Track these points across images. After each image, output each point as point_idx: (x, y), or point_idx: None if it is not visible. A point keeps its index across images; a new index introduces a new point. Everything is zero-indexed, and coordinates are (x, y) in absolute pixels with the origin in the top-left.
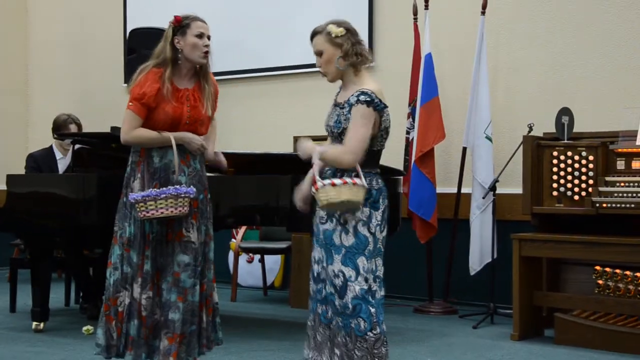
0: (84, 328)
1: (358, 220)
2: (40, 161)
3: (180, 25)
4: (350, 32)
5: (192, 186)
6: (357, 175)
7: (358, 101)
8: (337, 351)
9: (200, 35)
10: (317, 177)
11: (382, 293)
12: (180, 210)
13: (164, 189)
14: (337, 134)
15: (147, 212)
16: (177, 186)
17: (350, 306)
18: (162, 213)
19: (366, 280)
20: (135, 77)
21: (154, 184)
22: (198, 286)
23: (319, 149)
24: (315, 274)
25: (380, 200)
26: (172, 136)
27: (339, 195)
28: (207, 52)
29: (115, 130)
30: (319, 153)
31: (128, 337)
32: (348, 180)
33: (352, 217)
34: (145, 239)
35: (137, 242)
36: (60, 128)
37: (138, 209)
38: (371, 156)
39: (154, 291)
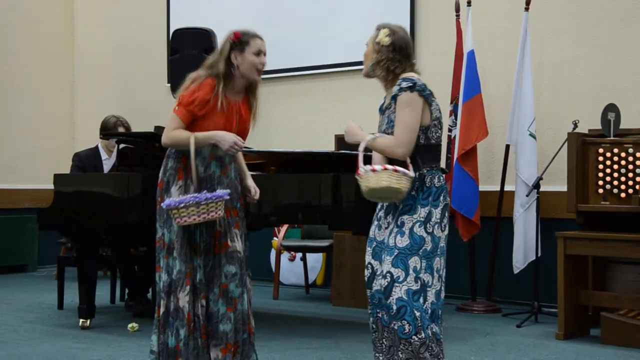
0: (129, 325)
1: (415, 221)
2: (86, 161)
3: (240, 41)
4: (394, 46)
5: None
6: (405, 166)
7: (400, 89)
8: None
9: (258, 53)
10: (361, 164)
11: (443, 293)
12: (213, 215)
13: (197, 195)
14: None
15: (181, 219)
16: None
17: (394, 308)
18: (194, 220)
19: (416, 280)
20: (186, 84)
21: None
22: (246, 294)
23: (368, 137)
24: (366, 279)
25: (441, 198)
26: (192, 137)
27: (378, 181)
28: (262, 70)
29: (159, 129)
30: (367, 142)
31: (167, 347)
32: (389, 167)
33: (409, 218)
34: (194, 248)
35: (178, 249)
36: (108, 130)
37: (172, 215)
38: (430, 150)
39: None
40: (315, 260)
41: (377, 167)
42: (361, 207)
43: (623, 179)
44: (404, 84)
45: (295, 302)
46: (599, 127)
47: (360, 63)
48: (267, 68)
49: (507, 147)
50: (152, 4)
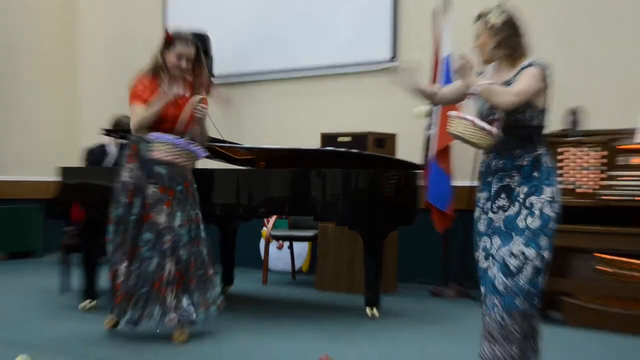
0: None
1: (544, 202)
2: (93, 155)
3: (168, 42)
4: (509, 24)
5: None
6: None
7: (531, 64)
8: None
9: (179, 57)
10: (455, 113)
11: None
12: (179, 161)
13: (181, 140)
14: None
15: (157, 152)
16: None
17: (526, 287)
18: (163, 156)
19: (542, 259)
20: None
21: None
22: (155, 259)
23: (483, 81)
24: (485, 266)
25: (556, 177)
26: (146, 106)
27: (456, 127)
28: (185, 70)
29: None
30: (480, 86)
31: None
32: (469, 117)
33: (537, 200)
34: (125, 223)
35: (121, 222)
36: (122, 128)
37: (156, 149)
38: (542, 132)
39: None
40: (302, 249)
41: (457, 114)
42: (344, 200)
43: (580, 175)
44: (538, 61)
45: (282, 287)
46: (562, 127)
47: (344, 66)
48: (257, 68)
49: None
50: (147, 4)
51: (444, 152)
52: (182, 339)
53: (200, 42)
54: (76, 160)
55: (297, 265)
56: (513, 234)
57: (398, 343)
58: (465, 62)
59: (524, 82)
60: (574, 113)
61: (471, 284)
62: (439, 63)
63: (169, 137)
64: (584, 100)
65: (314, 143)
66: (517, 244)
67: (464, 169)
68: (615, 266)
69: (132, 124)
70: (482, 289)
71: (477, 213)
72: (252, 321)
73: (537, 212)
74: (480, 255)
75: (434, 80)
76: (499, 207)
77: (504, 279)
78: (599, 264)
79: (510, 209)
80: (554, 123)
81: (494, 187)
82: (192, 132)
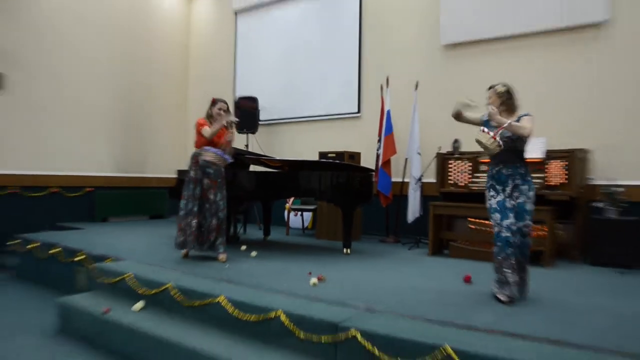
0: (220, 256)
1: (534, 194)
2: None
3: (213, 103)
4: (508, 92)
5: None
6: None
7: (527, 114)
8: None
9: (220, 108)
10: (485, 128)
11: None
12: (220, 163)
13: (220, 151)
14: (511, 139)
15: (210, 157)
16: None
17: (530, 242)
18: (213, 160)
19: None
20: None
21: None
22: (215, 219)
23: (507, 121)
24: (509, 232)
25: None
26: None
27: (483, 137)
28: (222, 114)
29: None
30: (510, 123)
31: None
32: (491, 133)
33: (532, 193)
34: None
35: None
36: None
37: (208, 155)
38: (524, 153)
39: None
40: (308, 215)
41: (484, 129)
42: (331, 189)
43: (460, 176)
44: (529, 113)
45: (297, 237)
46: (450, 150)
47: (331, 114)
48: (283, 115)
49: (406, 159)
50: (225, 77)
51: (387, 162)
52: (223, 259)
53: (253, 100)
54: (185, 164)
55: (305, 224)
56: (525, 214)
57: (361, 267)
58: (494, 111)
59: (529, 123)
60: (456, 142)
61: (401, 234)
62: (384, 115)
63: (214, 149)
64: (461, 135)
65: (315, 157)
66: (529, 219)
67: (398, 172)
68: (478, 224)
69: (200, 141)
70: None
71: (499, 198)
72: (279, 254)
73: (532, 200)
74: (511, 220)
75: (380, 127)
76: (515, 197)
77: (523, 238)
78: (469, 224)
79: (520, 198)
80: (445, 147)
81: (510, 185)
82: (225, 148)
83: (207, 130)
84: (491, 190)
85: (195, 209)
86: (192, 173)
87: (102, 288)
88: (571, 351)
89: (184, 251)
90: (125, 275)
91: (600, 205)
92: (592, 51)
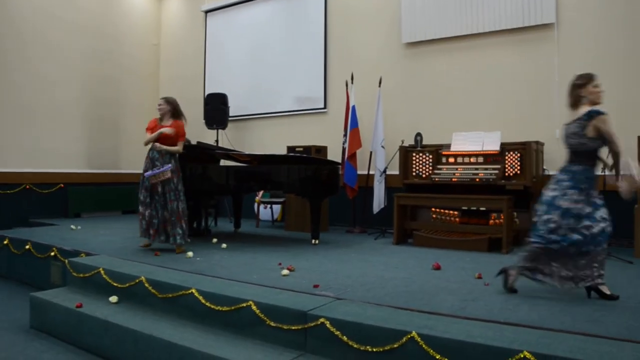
0: (188, 254)
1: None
2: None
3: None
4: (577, 85)
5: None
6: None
7: (599, 112)
8: None
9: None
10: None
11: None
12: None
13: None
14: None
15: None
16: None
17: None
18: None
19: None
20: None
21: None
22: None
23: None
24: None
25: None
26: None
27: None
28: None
29: (200, 143)
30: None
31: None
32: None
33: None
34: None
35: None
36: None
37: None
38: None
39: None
40: (277, 208)
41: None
42: (299, 182)
43: (422, 168)
44: (600, 110)
45: (267, 229)
46: (412, 143)
47: (299, 110)
48: (252, 111)
49: (371, 152)
50: (196, 76)
51: (352, 155)
52: (179, 251)
53: (222, 98)
54: None
55: (275, 217)
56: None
57: (329, 257)
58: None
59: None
60: (418, 135)
61: (367, 225)
62: (349, 110)
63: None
64: (422, 129)
65: (283, 151)
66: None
67: (364, 164)
68: (440, 214)
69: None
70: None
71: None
72: (250, 246)
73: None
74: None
75: (346, 121)
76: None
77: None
78: (432, 214)
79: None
80: (408, 141)
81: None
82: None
83: (145, 138)
84: (583, 194)
85: (148, 200)
86: (143, 167)
87: (76, 283)
88: (530, 330)
89: (145, 241)
90: (99, 270)
91: None
92: (543, 50)
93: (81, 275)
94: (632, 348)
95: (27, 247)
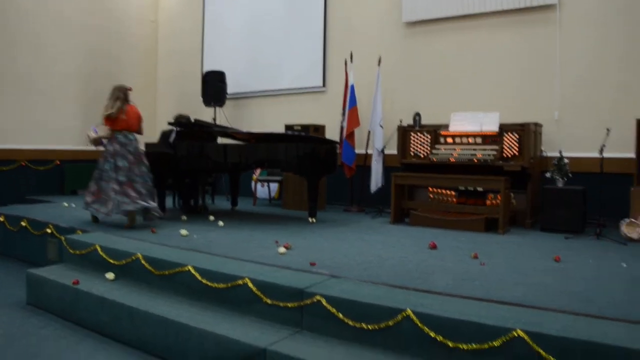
0: (181, 231)
1: None
2: (165, 135)
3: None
4: None
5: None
6: None
7: None
8: None
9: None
10: None
11: None
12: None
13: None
14: None
15: None
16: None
17: None
18: None
19: None
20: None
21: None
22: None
23: None
24: None
25: None
26: None
27: None
28: None
29: (198, 121)
30: None
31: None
32: None
33: None
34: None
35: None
36: (179, 120)
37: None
38: None
39: None
40: (274, 186)
41: None
42: (297, 160)
43: (420, 148)
44: None
45: (264, 207)
46: (411, 123)
47: (298, 88)
48: (250, 89)
49: (369, 131)
50: (193, 52)
51: (350, 134)
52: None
53: (220, 75)
54: (154, 138)
55: (272, 195)
56: None
57: (326, 235)
58: None
59: None
60: (417, 115)
61: (364, 204)
62: (348, 89)
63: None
64: (421, 109)
65: (281, 130)
66: None
67: (362, 144)
68: (437, 194)
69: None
70: None
71: None
72: (246, 224)
73: None
74: None
75: (344, 100)
76: None
77: None
78: (429, 193)
79: None
80: (407, 121)
81: None
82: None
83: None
84: None
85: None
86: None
87: (72, 260)
88: (523, 309)
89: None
90: (95, 246)
91: (549, 175)
92: (545, 31)
93: (77, 252)
94: (622, 327)
95: (23, 224)
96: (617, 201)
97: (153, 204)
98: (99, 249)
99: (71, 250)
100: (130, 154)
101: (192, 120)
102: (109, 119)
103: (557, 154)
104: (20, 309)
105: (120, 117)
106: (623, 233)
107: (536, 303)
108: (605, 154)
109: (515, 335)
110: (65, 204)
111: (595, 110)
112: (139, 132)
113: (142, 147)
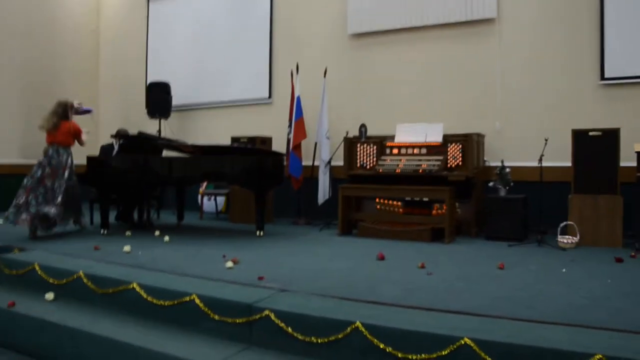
0: (125, 247)
1: None
2: (105, 150)
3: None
4: None
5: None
6: None
7: None
8: None
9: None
10: None
11: None
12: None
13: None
14: None
15: None
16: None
17: None
18: None
19: None
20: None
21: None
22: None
23: None
24: None
25: None
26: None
27: None
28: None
29: (141, 133)
30: None
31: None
32: None
33: None
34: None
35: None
36: (121, 134)
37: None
38: None
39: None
40: (221, 199)
41: None
42: (243, 173)
43: (368, 159)
44: None
45: (211, 221)
46: (357, 134)
47: (244, 100)
48: (196, 101)
49: (316, 143)
50: (137, 62)
51: (297, 146)
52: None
53: (165, 87)
54: (96, 151)
55: (219, 208)
56: None
57: (274, 248)
58: None
59: None
60: (363, 127)
61: (312, 216)
62: (294, 100)
63: None
64: (367, 120)
65: (227, 142)
66: None
67: (308, 155)
68: (384, 205)
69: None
70: None
71: None
72: (193, 239)
73: None
74: None
75: (291, 112)
76: None
77: None
78: (377, 204)
79: None
80: (353, 132)
81: None
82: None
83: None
84: None
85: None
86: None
87: (9, 280)
88: (470, 318)
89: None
90: (34, 265)
91: (492, 184)
92: (485, 43)
93: (14, 272)
94: (563, 330)
95: None
96: (556, 208)
97: (49, 210)
98: (37, 268)
99: (7, 271)
100: (49, 167)
101: (136, 133)
102: (46, 132)
103: (499, 164)
104: None
105: (52, 132)
106: (560, 242)
107: (482, 311)
108: (545, 163)
109: (463, 343)
110: (1, 221)
111: (535, 120)
112: (80, 144)
113: (77, 161)
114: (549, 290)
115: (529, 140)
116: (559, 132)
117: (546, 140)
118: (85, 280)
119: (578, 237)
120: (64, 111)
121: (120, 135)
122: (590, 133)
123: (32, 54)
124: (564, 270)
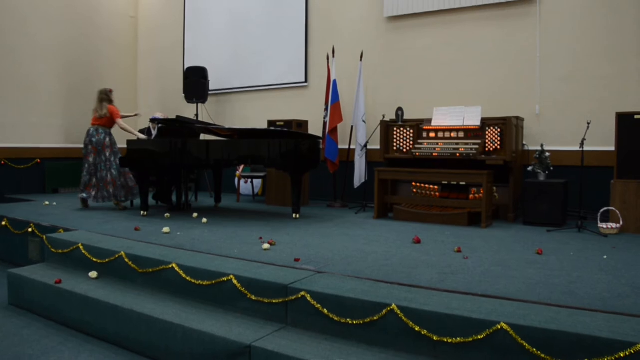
0: (164, 229)
1: None
2: (145, 133)
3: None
4: None
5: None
6: None
7: None
8: None
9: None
10: None
11: None
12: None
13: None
14: None
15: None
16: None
17: None
18: None
19: None
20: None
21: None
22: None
23: None
24: None
25: None
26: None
27: None
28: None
29: (179, 117)
30: None
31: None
32: None
33: None
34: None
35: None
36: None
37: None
38: None
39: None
40: (258, 182)
41: None
42: (280, 156)
43: (403, 143)
44: None
45: (248, 204)
46: (394, 117)
47: (281, 84)
48: (233, 85)
49: (352, 126)
50: (174, 49)
51: (333, 130)
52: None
53: (202, 71)
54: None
55: (256, 191)
56: None
57: (310, 231)
58: None
59: None
60: (399, 110)
61: (348, 199)
62: (330, 84)
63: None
64: (404, 104)
65: (264, 126)
66: None
67: (345, 139)
68: (421, 189)
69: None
70: None
71: None
72: (230, 221)
73: None
74: None
75: (327, 95)
76: None
77: None
78: (413, 188)
79: None
80: (389, 115)
81: None
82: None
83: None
84: None
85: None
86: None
87: (55, 259)
88: (507, 302)
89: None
90: (78, 245)
91: (531, 169)
92: (525, 25)
93: (60, 251)
94: (603, 318)
95: (4, 223)
96: (597, 194)
97: (86, 195)
98: (81, 247)
99: (53, 250)
100: (90, 145)
101: (174, 117)
102: (96, 117)
103: (538, 148)
104: (2, 310)
105: (102, 117)
106: (602, 228)
107: (519, 296)
108: (586, 147)
109: (499, 328)
110: (47, 203)
111: (576, 103)
112: (118, 125)
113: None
114: (589, 277)
115: (570, 124)
116: (602, 116)
117: (589, 123)
118: (126, 259)
119: (621, 223)
120: (108, 97)
121: (158, 119)
122: (636, 116)
123: (74, 40)
124: (605, 257)
